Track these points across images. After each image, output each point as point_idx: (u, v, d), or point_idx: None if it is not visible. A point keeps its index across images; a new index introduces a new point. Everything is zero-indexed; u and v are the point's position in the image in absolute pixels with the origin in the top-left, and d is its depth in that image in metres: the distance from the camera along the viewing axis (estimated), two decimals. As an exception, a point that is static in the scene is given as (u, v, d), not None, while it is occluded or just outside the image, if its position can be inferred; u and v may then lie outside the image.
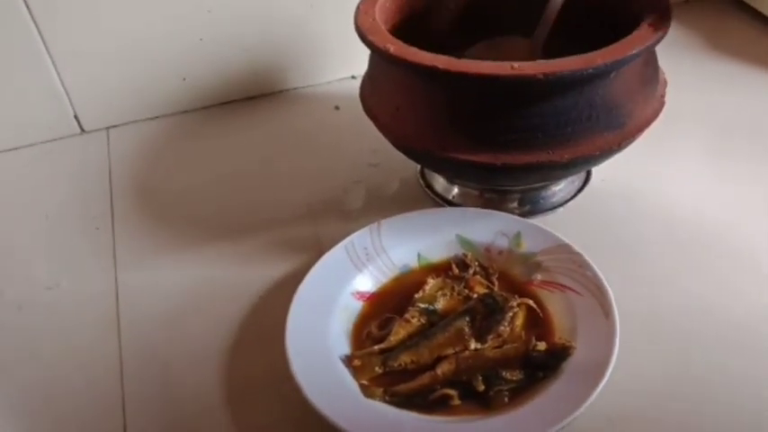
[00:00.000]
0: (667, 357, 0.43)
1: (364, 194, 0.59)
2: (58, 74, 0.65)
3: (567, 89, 0.43)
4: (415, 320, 0.44)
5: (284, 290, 0.47)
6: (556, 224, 0.52)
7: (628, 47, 0.42)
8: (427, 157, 0.49)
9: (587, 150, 0.45)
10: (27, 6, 0.61)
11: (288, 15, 0.69)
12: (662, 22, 0.45)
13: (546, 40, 0.52)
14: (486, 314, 0.43)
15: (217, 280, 0.52)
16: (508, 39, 0.53)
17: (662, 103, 0.49)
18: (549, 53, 0.49)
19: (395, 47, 0.45)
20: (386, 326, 0.45)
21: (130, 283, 0.52)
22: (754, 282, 0.48)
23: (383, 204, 0.58)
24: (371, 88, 0.52)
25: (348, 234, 0.49)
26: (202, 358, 0.46)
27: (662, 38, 0.44)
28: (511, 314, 0.43)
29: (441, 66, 0.42)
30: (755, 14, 0.79)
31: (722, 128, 0.63)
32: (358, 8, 0.50)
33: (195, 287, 0.51)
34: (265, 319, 0.47)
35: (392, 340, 0.43)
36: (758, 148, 0.60)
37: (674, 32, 0.46)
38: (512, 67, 0.41)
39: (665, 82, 0.50)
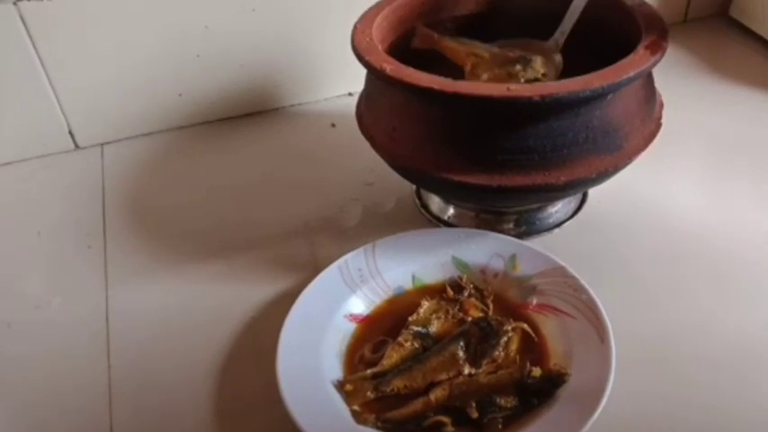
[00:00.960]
0: (665, 382, 0.43)
1: (360, 213, 0.59)
2: (53, 89, 0.65)
3: (564, 111, 0.43)
4: (408, 344, 0.43)
5: (278, 309, 0.47)
6: (552, 245, 0.52)
7: (625, 69, 0.42)
8: (423, 178, 0.49)
9: (584, 173, 0.45)
10: (23, 21, 0.60)
11: (284, 32, 0.69)
12: (659, 44, 0.44)
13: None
14: (480, 338, 0.42)
15: (210, 299, 0.51)
16: (528, 41, 0.54)
17: (659, 125, 0.49)
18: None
19: (391, 67, 0.44)
20: (379, 349, 0.44)
21: (122, 302, 0.52)
22: (753, 303, 0.47)
23: (378, 223, 0.57)
24: (368, 108, 0.51)
25: (343, 253, 0.49)
26: (193, 378, 0.45)
27: (659, 60, 0.44)
28: (505, 339, 0.42)
29: (437, 87, 0.42)
30: (751, 35, 0.79)
31: (719, 148, 0.63)
32: (355, 27, 0.50)
33: (188, 305, 0.51)
34: (258, 339, 0.47)
35: (385, 364, 0.42)
36: (755, 168, 0.60)
37: (671, 52, 0.46)
38: (507, 89, 0.41)
39: (662, 103, 0.50)
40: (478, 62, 0.53)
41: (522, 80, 0.50)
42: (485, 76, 0.52)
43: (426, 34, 0.55)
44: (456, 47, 0.54)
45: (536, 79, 0.50)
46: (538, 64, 0.51)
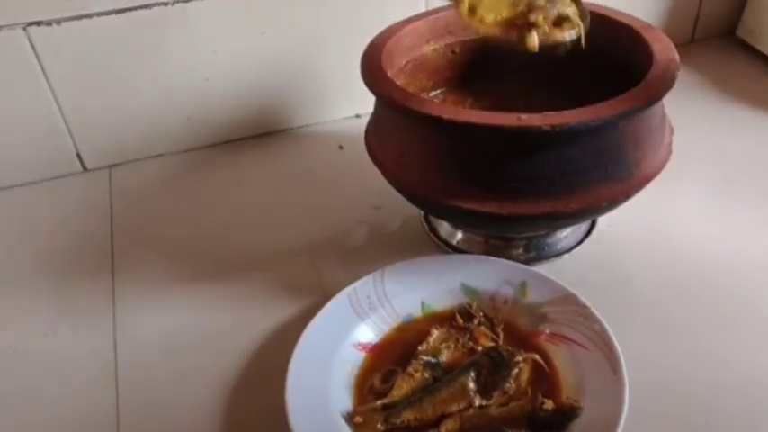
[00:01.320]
0: (680, 414, 0.42)
1: (367, 236, 0.59)
2: (61, 111, 0.65)
3: (574, 140, 0.42)
4: (418, 375, 0.43)
5: (285, 334, 0.46)
6: (562, 271, 0.51)
7: (635, 99, 0.42)
8: (431, 205, 0.49)
9: (594, 201, 0.44)
10: (31, 44, 0.61)
11: (292, 55, 0.69)
12: (670, 72, 0.44)
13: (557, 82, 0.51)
14: (491, 369, 0.42)
15: (217, 323, 0.51)
16: None
17: (669, 152, 0.48)
18: (559, 94, 0.48)
19: (400, 95, 0.44)
20: (389, 379, 0.44)
21: (130, 327, 0.51)
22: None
23: (386, 247, 0.57)
24: (376, 133, 0.51)
25: (350, 276, 0.49)
26: (201, 405, 0.45)
27: (670, 88, 0.44)
28: (516, 370, 0.42)
29: (446, 116, 0.42)
30: (758, 55, 0.79)
31: (729, 170, 0.63)
32: (364, 54, 0.50)
33: (196, 330, 0.50)
34: (265, 366, 0.46)
35: (395, 395, 0.42)
36: (766, 191, 0.59)
37: (679, 73, 0.45)
38: (518, 119, 0.41)
39: (672, 130, 0.50)
40: None
41: (544, 21, 0.41)
42: (490, 18, 0.42)
43: None
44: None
45: (564, 19, 0.41)
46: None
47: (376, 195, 0.62)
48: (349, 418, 0.41)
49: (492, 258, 0.50)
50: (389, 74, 0.48)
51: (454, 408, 0.40)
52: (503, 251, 0.53)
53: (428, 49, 0.56)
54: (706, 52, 0.82)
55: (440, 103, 0.43)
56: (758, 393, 0.43)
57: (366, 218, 0.60)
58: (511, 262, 0.50)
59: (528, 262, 0.52)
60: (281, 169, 0.68)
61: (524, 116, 0.41)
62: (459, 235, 0.56)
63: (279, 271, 0.55)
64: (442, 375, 0.43)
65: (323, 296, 0.48)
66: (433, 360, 0.44)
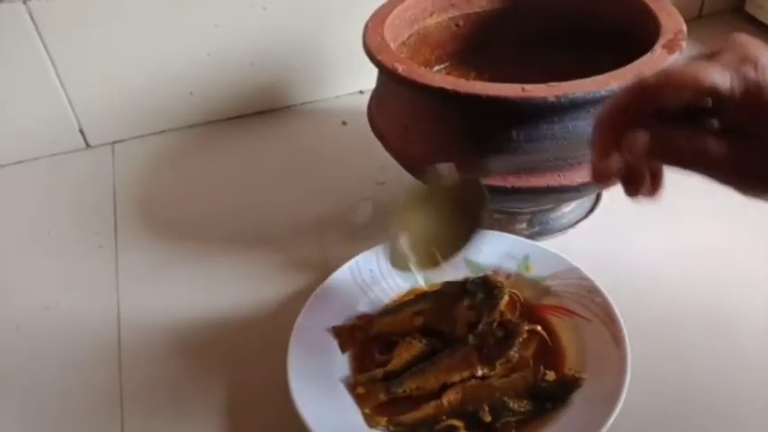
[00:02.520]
0: (681, 387, 0.42)
1: (371, 212, 0.58)
2: (64, 88, 0.65)
3: (579, 111, 0.42)
4: (417, 343, 0.43)
5: (288, 308, 0.46)
6: (566, 245, 0.51)
7: (642, 69, 0.41)
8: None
9: (599, 174, 0.44)
10: (33, 22, 0.60)
11: (295, 30, 0.68)
12: (677, 43, 0.44)
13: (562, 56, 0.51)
14: (496, 339, 0.42)
15: (220, 297, 0.51)
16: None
17: (675, 125, 0.48)
18: (561, 64, 0.48)
19: (403, 67, 0.44)
20: (388, 351, 0.44)
21: (132, 302, 0.51)
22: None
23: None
24: (379, 107, 0.51)
25: (354, 252, 0.49)
26: (204, 378, 0.45)
27: (676, 60, 0.43)
28: (520, 339, 0.42)
29: (449, 87, 0.41)
30: (767, 30, 0.78)
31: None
32: (366, 26, 0.49)
33: (198, 304, 0.51)
34: (268, 339, 0.47)
35: (395, 363, 0.42)
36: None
37: (687, 48, 0.45)
38: (522, 90, 0.40)
39: (679, 103, 0.49)
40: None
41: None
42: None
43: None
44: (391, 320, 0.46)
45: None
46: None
47: (380, 171, 0.61)
48: (351, 388, 0.41)
49: (495, 233, 0.50)
50: (392, 47, 0.47)
51: (456, 377, 0.41)
52: (506, 226, 0.53)
53: (431, 21, 0.55)
54: (714, 28, 0.81)
55: (443, 75, 0.42)
56: (762, 365, 0.43)
57: (370, 194, 0.60)
58: (514, 236, 0.50)
59: (532, 237, 0.52)
60: (285, 146, 0.68)
61: (529, 87, 0.40)
62: (463, 210, 0.56)
63: (283, 246, 0.55)
64: (440, 344, 0.43)
65: (326, 271, 0.48)
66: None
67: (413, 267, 0.40)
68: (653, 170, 0.32)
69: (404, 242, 0.41)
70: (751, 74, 0.27)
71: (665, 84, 0.28)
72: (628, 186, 0.32)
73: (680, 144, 0.28)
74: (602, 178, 0.32)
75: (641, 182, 0.32)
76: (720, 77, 0.27)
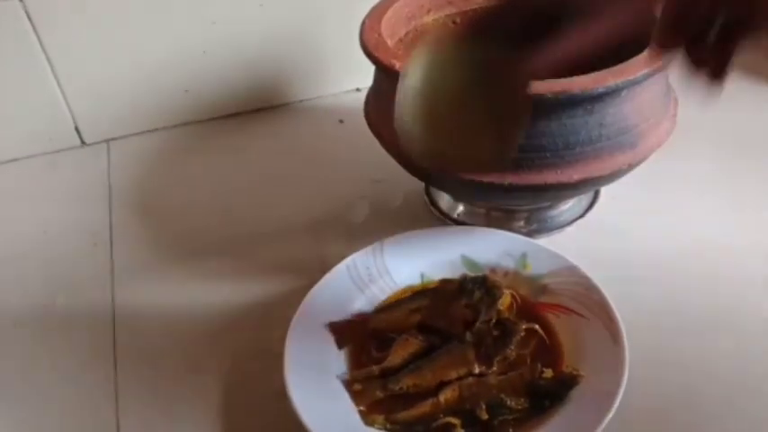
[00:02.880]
0: (678, 385, 0.42)
1: (368, 211, 0.58)
2: (60, 85, 0.65)
3: (577, 108, 0.42)
4: (414, 339, 0.43)
5: (285, 307, 0.46)
6: (564, 243, 0.51)
7: (639, 66, 0.41)
8: (432, 176, 0.48)
9: (597, 171, 0.44)
10: (29, 19, 0.60)
11: (292, 27, 0.68)
12: (674, 40, 0.43)
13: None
14: (494, 337, 0.42)
15: (216, 296, 0.51)
16: None
17: (673, 123, 0.48)
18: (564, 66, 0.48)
19: (400, 63, 0.44)
20: (385, 348, 0.43)
21: (127, 301, 0.51)
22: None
23: (387, 221, 0.56)
24: (376, 104, 0.51)
25: (350, 250, 0.48)
26: (200, 376, 0.45)
27: (675, 56, 0.43)
28: (518, 338, 0.42)
29: (447, 83, 0.41)
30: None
31: (734, 144, 0.62)
32: (363, 23, 0.49)
33: (194, 303, 0.50)
34: (265, 338, 0.46)
35: (392, 360, 0.42)
36: (769, 166, 0.59)
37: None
38: (520, 86, 0.40)
39: (677, 101, 0.49)
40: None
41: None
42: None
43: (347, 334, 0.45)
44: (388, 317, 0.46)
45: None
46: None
47: (377, 169, 0.61)
48: (348, 385, 0.41)
49: (493, 230, 0.50)
50: (389, 44, 0.47)
51: (453, 374, 0.40)
52: (504, 224, 0.53)
53: (428, 19, 0.55)
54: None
55: (440, 72, 0.42)
56: (758, 364, 0.43)
57: (367, 192, 0.60)
58: (511, 234, 0.49)
59: (529, 235, 0.51)
60: (281, 143, 0.68)
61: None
62: (461, 207, 0.55)
63: (279, 245, 0.55)
64: (438, 341, 0.42)
65: (323, 270, 0.47)
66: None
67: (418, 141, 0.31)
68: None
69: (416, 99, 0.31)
70: None
71: None
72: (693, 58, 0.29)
73: None
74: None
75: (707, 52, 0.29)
76: None
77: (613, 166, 0.44)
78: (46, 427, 0.43)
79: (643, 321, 0.44)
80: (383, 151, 0.50)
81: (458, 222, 0.55)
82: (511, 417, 0.39)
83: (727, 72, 0.30)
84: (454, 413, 0.39)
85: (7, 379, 0.46)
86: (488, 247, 0.49)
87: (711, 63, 0.30)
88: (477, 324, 0.43)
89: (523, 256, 0.48)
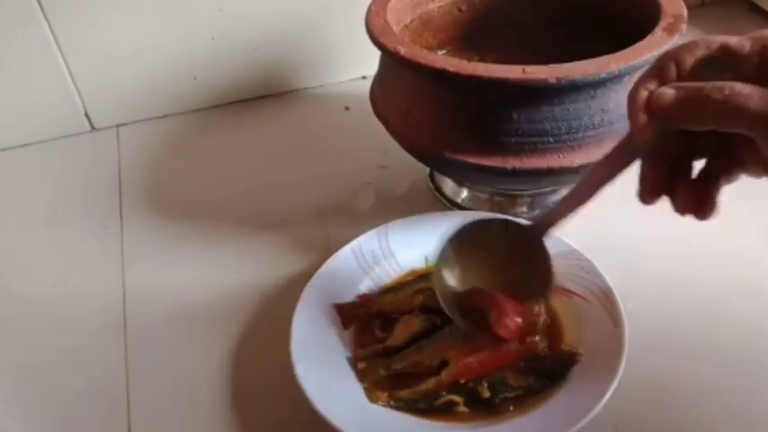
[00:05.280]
0: (676, 366, 0.43)
1: (373, 196, 0.59)
2: (69, 71, 0.65)
3: (580, 94, 0.42)
4: (418, 319, 0.43)
5: (291, 290, 0.47)
6: (565, 228, 0.51)
7: (641, 52, 0.42)
8: (437, 161, 0.49)
9: (599, 156, 0.44)
10: (40, 5, 0.61)
11: (299, 15, 0.69)
12: (677, 26, 0.44)
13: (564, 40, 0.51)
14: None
15: (224, 279, 0.52)
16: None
17: (675, 109, 0.48)
18: (563, 49, 0.48)
19: (406, 49, 0.44)
20: (388, 328, 0.44)
21: (137, 282, 0.52)
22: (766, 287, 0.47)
23: (392, 206, 0.57)
24: (382, 91, 0.51)
25: (356, 236, 0.49)
26: (208, 357, 0.46)
27: (676, 43, 0.43)
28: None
29: (451, 69, 0.42)
30: (770, 19, 0.78)
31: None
32: (369, 9, 0.49)
33: (202, 285, 0.51)
34: (271, 320, 0.47)
35: (396, 338, 0.43)
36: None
37: (688, 36, 0.45)
38: (523, 71, 0.41)
39: (679, 87, 0.50)
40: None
41: None
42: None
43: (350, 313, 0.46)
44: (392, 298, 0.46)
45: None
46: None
47: (382, 155, 0.62)
48: (352, 363, 0.42)
49: (496, 215, 0.50)
50: (395, 31, 0.48)
51: (454, 354, 0.41)
52: (507, 209, 0.54)
53: (434, 6, 0.56)
54: (717, 16, 0.81)
55: (445, 57, 0.43)
56: (756, 347, 0.44)
57: (372, 178, 0.61)
58: (514, 219, 0.50)
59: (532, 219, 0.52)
60: (288, 130, 0.68)
61: (530, 68, 0.41)
62: (465, 193, 0.56)
63: (286, 230, 0.56)
64: (440, 321, 0.43)
65: (328, 254, 0.48)
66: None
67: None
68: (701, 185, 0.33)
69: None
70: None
71: (681, 48, 0.30)
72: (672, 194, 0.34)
73: (708, 93, 0.27)
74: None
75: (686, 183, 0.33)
76: (733, 39, 0.29)
77: (615, 151, 0.44)
78: (57, 407, 0.44)
79: (643, 304, 0.45)
80: (388, 138, 0.50)
81: (462, 208, 0.56)
82: (512, 395, 0.39)
83: (712, 209, 0.34)
84: (457, 391, 0.40)
85: (19, 359, 0.47)
86: (492, 232, 0.49)
87: (694, 210, 0.34)
88: None
89: (526, 240, 0.48)
